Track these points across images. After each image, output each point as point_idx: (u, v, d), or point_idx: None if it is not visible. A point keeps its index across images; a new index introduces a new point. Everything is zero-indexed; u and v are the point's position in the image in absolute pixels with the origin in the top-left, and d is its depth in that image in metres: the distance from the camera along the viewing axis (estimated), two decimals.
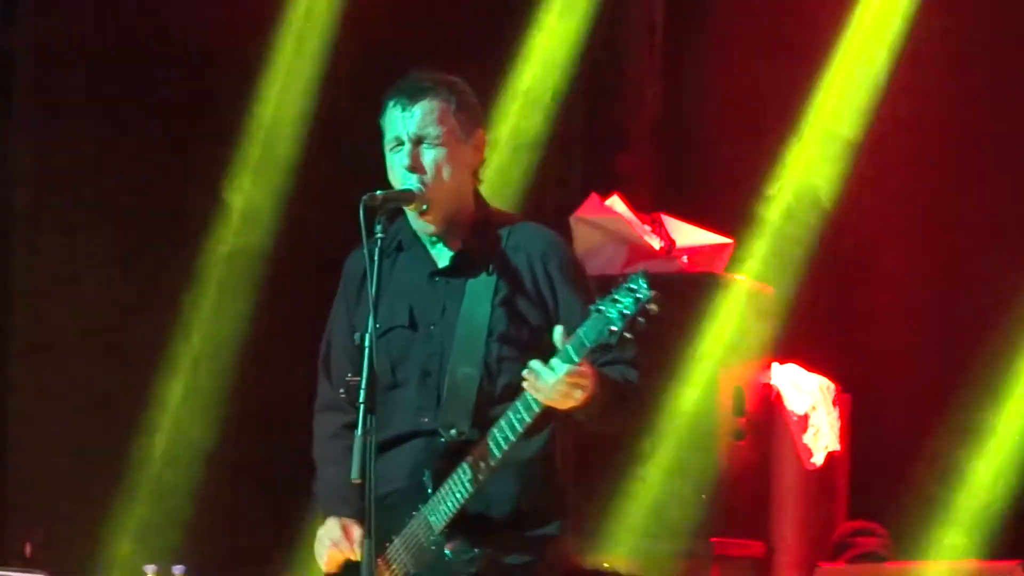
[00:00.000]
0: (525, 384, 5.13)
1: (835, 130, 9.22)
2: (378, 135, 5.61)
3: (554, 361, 5.04)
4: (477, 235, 5.54)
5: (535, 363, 5.06)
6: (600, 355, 5.38)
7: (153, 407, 8.41)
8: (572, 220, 8.48)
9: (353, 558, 5.63)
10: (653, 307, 4.94)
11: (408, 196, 5.35)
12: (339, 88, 8.69)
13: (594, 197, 8.78)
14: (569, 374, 5.02)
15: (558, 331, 5.08)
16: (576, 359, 5.05)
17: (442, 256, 5.51)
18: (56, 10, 8.57)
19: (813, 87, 9.22)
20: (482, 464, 5.39)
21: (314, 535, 5.77)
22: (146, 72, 8.69)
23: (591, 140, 9.58)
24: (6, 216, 8.67)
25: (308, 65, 8.87)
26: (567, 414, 5.33)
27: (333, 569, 5.71)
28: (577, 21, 9.17)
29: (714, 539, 8.15)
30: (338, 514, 5.59)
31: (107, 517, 8.04)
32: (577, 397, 5.12)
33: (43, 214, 8.70)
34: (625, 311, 5.00)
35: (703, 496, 8.23)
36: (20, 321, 8.54)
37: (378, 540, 5.36)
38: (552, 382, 5.03)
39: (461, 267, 5.48)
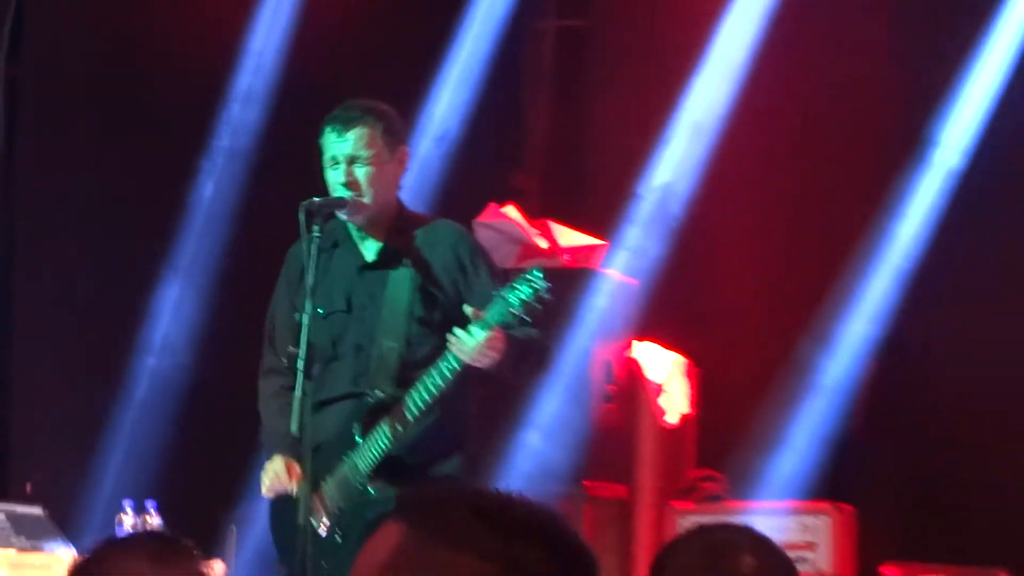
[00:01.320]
0: (450, 346, 6.03)
1: (692, 140, 9.45)
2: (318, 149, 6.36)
3: (473, 328, 5.96)
4: (398, 233, 6.40)
5: (458, 330, 5.98)
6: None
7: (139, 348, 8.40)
8: (475, 224, 8.71)
9: (292, 492, 6.21)
10: (547, 296, 5.91)
11: (340, 203, 6.24)
12: (285, 110, 8.64)
13: (493, 206, 9.19)
14: (487, 338, 5.95)
15: (468, 309, 6.03)
16: (490, 331, 5.96)
17: (369, 251, 6.41)
18: (57, 41, 8.46)
19: (678, 110, 9.46)
20: (401, 418, 6.19)
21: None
22: (136, 91, 8.58)
23: (492, 161, 9.78)
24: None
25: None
26: (483, 372, 6.20)
27: (271, 495, 6.38)
28: (480, 64, 9.37)
29: (587, 482, 8.65)
30: (281, 454, 6.28)
31: (94, 457, 8.11)
32: (492, 356, 6.04)
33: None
34: (524, 297, 5.92)
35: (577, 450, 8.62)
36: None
37: (314, 481, 6.16)
38: (473, 344, 5.96)
39: (385, 261, 6.39)
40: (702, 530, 3.22)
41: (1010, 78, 9.32)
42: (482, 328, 6.06)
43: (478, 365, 6.17)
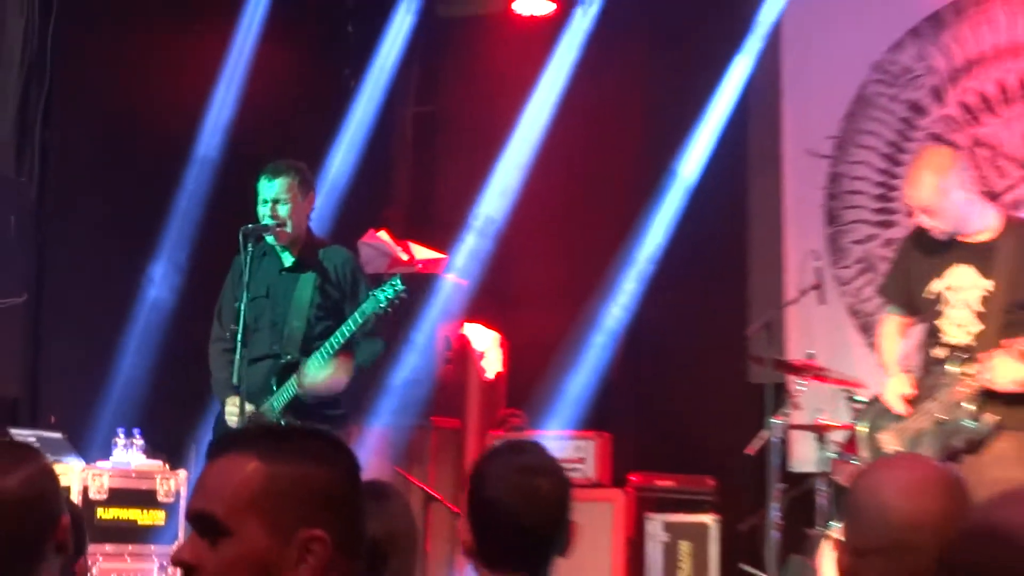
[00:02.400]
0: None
1: (505, 185, 9.41)
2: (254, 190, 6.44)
3: (350, 322, 6.19)
4: (306, 250, 6.53)
5: (302, 371, 6.29)
6: (371, 319, 6.23)
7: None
8: (359, 243, 8.73)
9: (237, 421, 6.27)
10: (404, 295, 6.10)
11: (267, 229, 6.36)
12: (233, 162, 8.44)
13: (371, 231, 9.06)
14: (359, 326, 6.18)
15: (349, 309, 6.27)
16: (362, 320, 6.15)
17: (286, 261, 6.52)
18: (77, 110, 8.24)
19: (497, 164, 9.43)
20: (307, 370, 6.35)
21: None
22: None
23: (370, 200, 9.64)
24: None
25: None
26: (349, 353, 6.35)
27: (234, 422, 6.34)
28: (363, 136, 9.29)
29: (433, 417, 8.60)
30: (230, 396, 6.39)
31: (97, 397, 7.89)
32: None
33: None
34: (389, 296, 6.09)
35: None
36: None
37: (248, 417, 6.25)
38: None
39: (296, 268, 6.49)
40: (508, 449, 3.16)
41: (724, 130, 9.27)
42: (360, 317, 6.24)
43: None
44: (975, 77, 8.92)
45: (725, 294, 9.40)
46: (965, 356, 5.46)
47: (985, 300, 5.45)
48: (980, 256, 5.51)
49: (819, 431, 7.41)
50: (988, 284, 5.45)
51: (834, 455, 7.21)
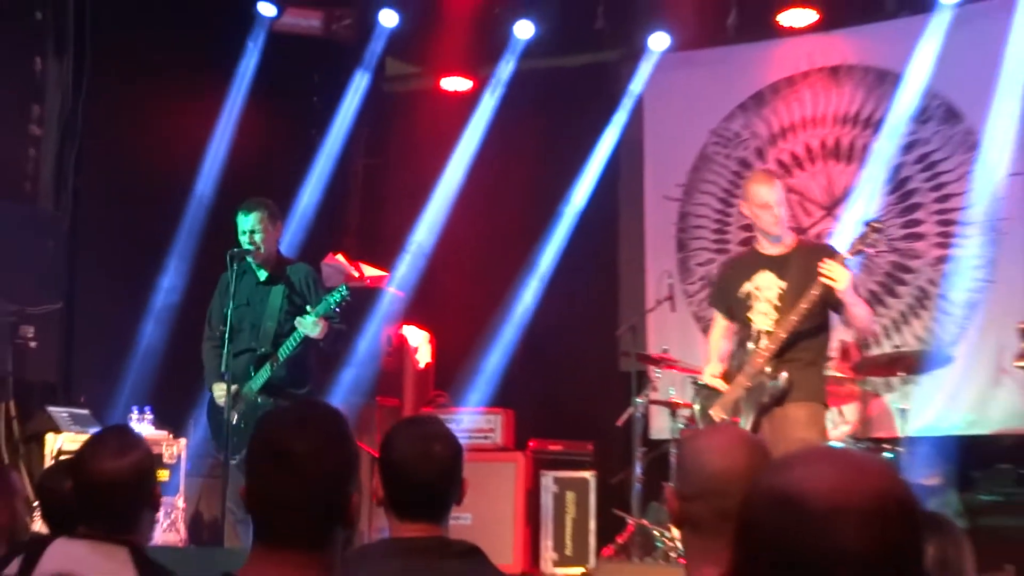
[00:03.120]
0: (297, 325, 6.25)
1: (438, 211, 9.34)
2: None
3: (308, 316, 6.20)
4: (277, 268, 6.53)
5: (299, 318, 6.25)
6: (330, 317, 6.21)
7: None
8: (322, 263, 8.58)
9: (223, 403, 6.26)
10: (348, 298, 6.14)
11: (247, 252, 6.36)
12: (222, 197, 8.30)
13: (331, 254, 9.01)
14: (314, 322, 6.19)
15: (309, 308, 6.24)
16: (317, 317, 6.16)
17: (261, 276, 6.51)
18: (104, 158, 8.19)
19: (429, 204, 9.37)
20: (275, 361, 6.38)
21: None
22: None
23: (330, 230, 9.55)
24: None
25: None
26: (314, 340, 6.36)
27: (221, 401, 6.32)
28: (324, 181, 9.19)
29: (378, 398, 8.47)
30: (217, 382, 6.39)
31: (117, 382, 7.81)
32: (317, 332, 6.24)
33: None
34: (337, 299, 6.14)
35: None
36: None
37: (233, 396, 6.27)
38: (310, 323, 6.22)
39: (269, 281, 6.49)
40: (411, 421, 3.11)
41: (601, 177, 9.27)
42: (315, 315, 6.25)
43: (312, 336, 6.34)
44: (788, 141, 9.07)
45: (601, 302, 9.38)
46: (762, 336, 5.57)
47: (781, 296, 5.57)
48: (778, 265, 5.64)
49: (672, 407, 7.49)
50: (783, 284, 5.58)
51: (683, 426, 7.23)
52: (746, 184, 5.76)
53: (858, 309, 5.50)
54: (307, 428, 2.15)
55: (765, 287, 5.65)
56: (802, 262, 5.56)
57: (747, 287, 5.70)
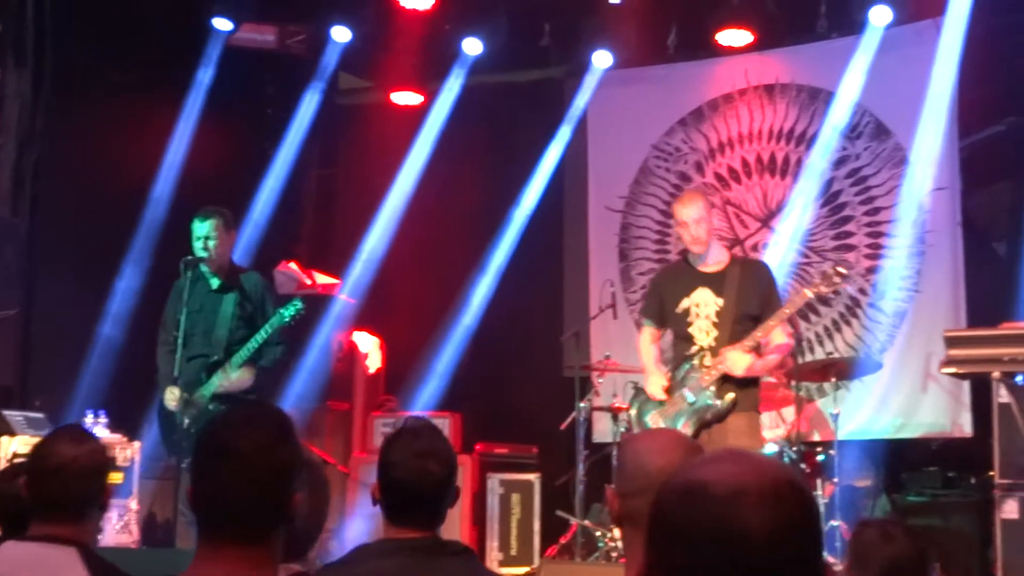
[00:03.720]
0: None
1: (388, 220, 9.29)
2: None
3: (262, 332, 6.17)
4: (230, 276, 6.48)
5: (220, 372, 6.18)
6: (277, 331, 6.19)
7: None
8: (275, 271, 8.55)
9: (176, 407, 6.25)
10: (302, 312, 6.12)
11: (200, 260, 6.31)
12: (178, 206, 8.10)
13: (284, 262, 8.89)
14: (268, 335, 6.14)
15: (264, 320, 6.22)
16: (270, 331, 6.13)
17: (214, 284, 6.45)
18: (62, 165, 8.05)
19: (379, 213, 9.30)
20: (227, 369, 6.32)
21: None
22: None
23: (284, 239, 9.34)
24: None
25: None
26: (259, 356, 6.31)
27: (173, 406, 6.27)
28: (278, 190, 9.11)
29: (328, 402, 8.49)
30: (170, 385, 6.28)
31: (72, 386, 7.68)
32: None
33: None
34: (291, 313, 6.12)
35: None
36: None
37: (185, 401, 6.26)
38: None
39: (222, 289, 6.43)
40: (410, 435, 3.00)
41: (546, 189, 9.29)
42: (267, 330, 6.20)
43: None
44: (726, 155, 9.13)
45: (546, 310, 9.38)
46: (705, 354, 5.61)
47: (719, 313, 5.61)
48: (714, 282, 5.68)
49: (613, 412, 7.49)
50: (720, 301, 5.62)
51: (624, 429, 7.19)
52: (673, 204, 5.88)
53: (773, 369, 5.83)
54: (253, 427, 2.14)
55: (703, 304, 5.68)
56: (737, 280, 5.61)
57: (685, 303, 5.73)
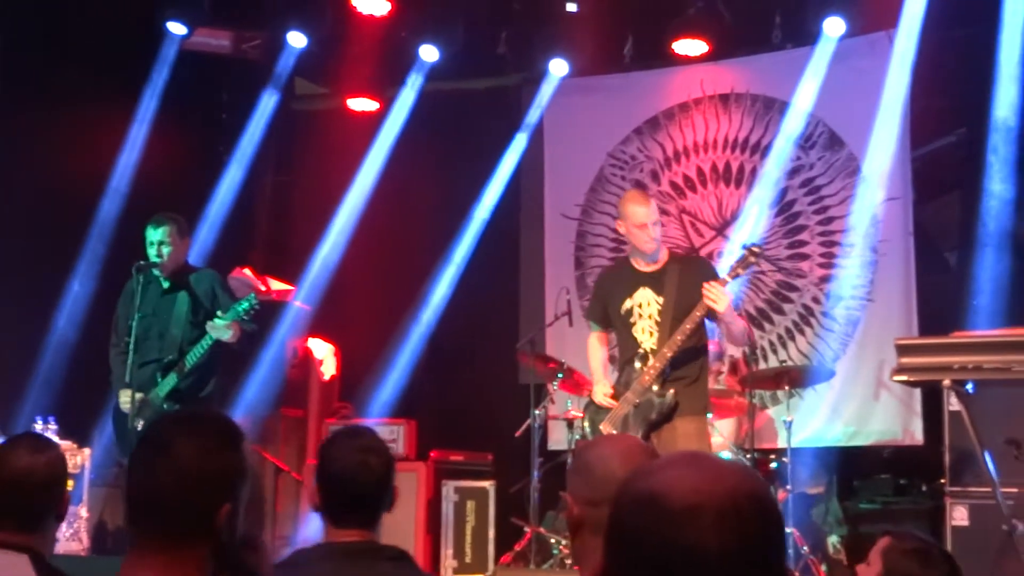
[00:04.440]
0: (209, 329, 6.16)
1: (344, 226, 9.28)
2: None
3: (220, 320, 6.13)
4: (180, 276, 6.46)
5: (210, 322, 6.15)
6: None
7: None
8: (229, 277, 7.98)
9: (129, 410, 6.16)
10: (257, 307, 6.11)
11: (153, 265, 6.29)
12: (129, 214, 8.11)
13: (238, 268, 8.67)
14: (227, 325, 6.11)
15: (219, 314, 6.18)
16: (228, 321, 6.10)
17: (167, 285, 6.43)
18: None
19: (335, 220, 9.32)
20: (181, 369, 6.30)
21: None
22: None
23: (238, 245, 9.29)
24: None
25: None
26: (225, 344, 6.26)
27: (126, 408, 6.20)
28: (232, 196, 9.06)
29: (283, 409, 8.50)
30: (124, 388, 6.23)
31: (21, 392, 7.68)
32: (229, 336, 6.17)
33: None
34: (245, 307, 6.11)
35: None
36: None
37: (139, 404, 6.18)
38: (222, 326, 6.15)
39: (172, 289, 6.41)
40: (349, 433, 3.10)
41: (502, 196, 9.33)
42: (224, 320, 6.18)
43: (224, 340, 6.25)
44: (682, 164, 9.18)
45: (502, 317, 9.35)
46: (648, 355, 5.60)
47: (660, 312, 5.62)
48: (655, 281, 5.69)
49: (569, 420, 7.48)
50: (660, 300, 5.63)
51: (579, 437, 7.19)
52: (622, 204, 5.77)
53: (734, 327, 5.63)
54: (194, 429, 2.12)
55: (645, 304, 5.69)
56: (676, 277, 5.63)
57: (628, 304, 5.74)
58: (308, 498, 2.94)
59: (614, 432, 5.57)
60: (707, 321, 5.67)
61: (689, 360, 5.62)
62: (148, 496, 2.07)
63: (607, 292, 5.89)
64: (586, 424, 5.87)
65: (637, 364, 5.63)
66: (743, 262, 5.49)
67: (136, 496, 2.09)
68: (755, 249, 5.49)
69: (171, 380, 6.37)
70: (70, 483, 6.47)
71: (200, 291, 6.48)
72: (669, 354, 5.50)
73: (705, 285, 5.40)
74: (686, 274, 5.61)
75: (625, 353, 5.77)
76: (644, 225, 5.62)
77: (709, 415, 6.74)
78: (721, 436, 7.25)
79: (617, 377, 5.79)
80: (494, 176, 9.34)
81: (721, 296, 5.37)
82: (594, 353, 5.99)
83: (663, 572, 1.31)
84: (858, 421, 8.15)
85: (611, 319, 5.85)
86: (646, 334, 5.66)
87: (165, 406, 6.30)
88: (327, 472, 2.85)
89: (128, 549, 2.10)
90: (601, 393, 5.74)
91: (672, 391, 5.54)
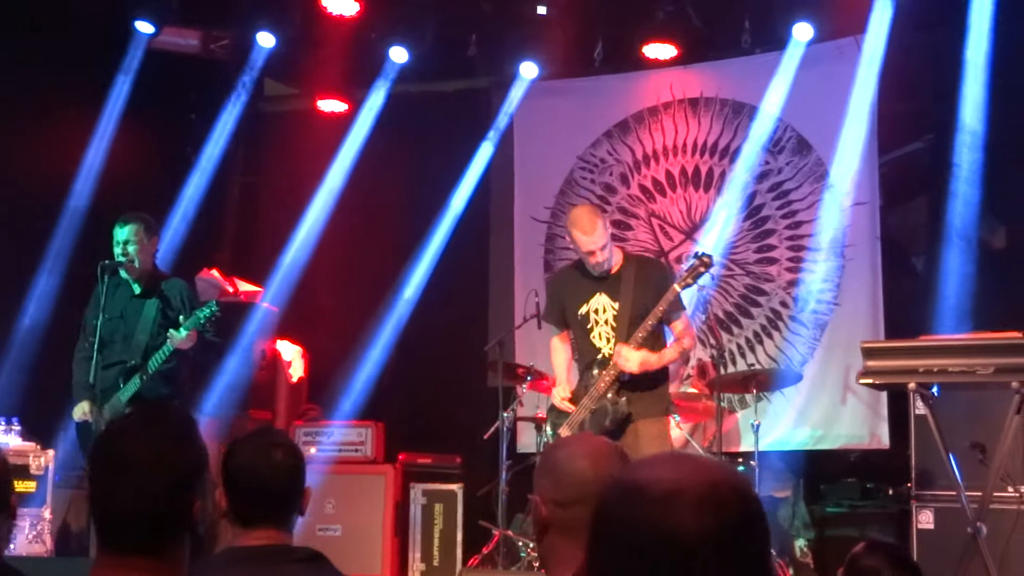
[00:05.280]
0: (168, 338, 6.14)
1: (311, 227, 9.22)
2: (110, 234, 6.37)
3: (179, 331, 6.09)
4: (152, 281, 6.45)
5: (172, 331, 6.10)
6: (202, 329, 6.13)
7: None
8: (196, 278, 8.45)
9: (89, 419, 6.23)
10: (218, 314, 6.08)
11: (120, 265, 6.27)
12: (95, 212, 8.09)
13: (206, 269, 8.86)
14: (187, 335, 6.07)
15: (181, 320, 6.14)
16: (188, 331, 6.07)
17: (136, 289, 6.42)
18: None
19: (303, 221, 9.25)
20: (145, 372, 6.28)
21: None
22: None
23: (205, 246, 9.27)
24: None
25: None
26: (185, 351, 6.26)
27: (80, 419, 6.28)
28: (199, 196, 8.99)
29: (250, 411, 8.40)
30: (84, 399, 6.27)
31: None
32: (186, 344, 6.13)
33: None
34: (207, 314, 6.09)
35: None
36: None
37: (99, 412, 6.22)
38: (181, 337, 6.09)
39: (144, 295, 6.40)
40: (254, 432, 3.08)
41: (471, 198, 9.27)
42: (185, 330, 6.14)
43: (181, 347, 6.21)
44: (651, 168, 9.21)
45: (471, 318, 9.33)
46: (604, 359, 5.60)
47: (616, 317, 5.61)
48: (610, 286, 5.66)
49: (537, 422, 7.48)
50: (615, 305, 5.62)
51: (548, 439, 7.21)
52: (569, 226, 5.65)
53: (670, 364, 5.73)
54: (148, 436, 2.10)
55: (601, 310, 5.68)
56: (632, 280, 5.60)
57: (584, 309, 5.73)
58: (216, 502, 2.78)
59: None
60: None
61: None
62: (118, 515, 2.06)
63: (563, 295, 5.87)
64: (548, 427, 5.87)
65: (595, 370, 5.62)
66: (692, 271, 5.46)
67: (106, 514, 2.08)
68: (705, 259, 5.46)
69: (133, 384, 6.34)
70: (33, 485, 6.67)
71: (170, 300, 6.50)
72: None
73: (616, 349, 5.46)
74: (641, 278, 5.58)
75: (584, 358, 5.77)
76: (592, 252, 5.57)
77: (677, 417, 6.77)
78: (680, 430, 7.24)
79: (578, 381, 5.79)
80: (463, 178, 9.32)
81: (630, 357, 5.44)
82: (556, 355, 5.98)
83: (647, 559, 1.34)
84: (825, 425, 8.19)
85: (569, 322, 5.85)
86: (603, 340, 5.65)
87: (127, 410, 6.23)
88: (230, 469, 2.76)
89: (99, 552, 2.08)
90: (559, 396, 5.74)
91: (624, 399, 5.54)
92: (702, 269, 5.43)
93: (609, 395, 5.54)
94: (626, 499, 1.39)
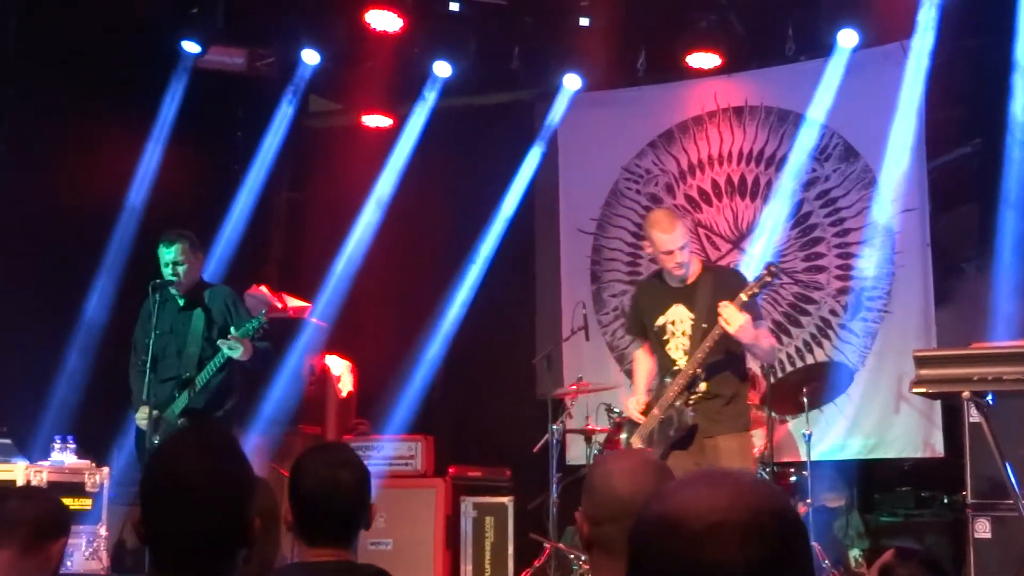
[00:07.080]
0: (222, 345, 6.18)
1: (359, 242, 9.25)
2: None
3: (231, 339, 6.14)
4: (196, 292, 6.49)
5: (222, 341, 6.17)
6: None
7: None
8: (245, 295, 8.28)
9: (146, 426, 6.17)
10: (266, 325, 6.14)
11: (168, 283, 6.34)
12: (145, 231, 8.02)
13: (255, 286, 8.83)
14: (240, 342, 6.12)
15: (232, 331, 6.21)
16: (239, 338, 6.10)
17: (182, 302, 6.47)
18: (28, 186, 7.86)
19: (349, 238, 9.29)
20: (197, 386, 6.34)
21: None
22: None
23: (253, 262, 9.32)
24: None
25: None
26: (239, 362, 6.31)
27: (142, 422, 6.27)
28: (248, 213, 9.05)
29: (300, 425, 8.39)
30: (142, 406, 6.28)
31: (39, 409, 7.61)
32: (242, 354, 6.17)
33: None
34: (255, 325, 6.15)
35: None
36: None
37: (155, 421, 6.24)
38: (238, 350, 6.14)
39: (188, 306, 6.45)
40: (320, 449, 3.06)
41: (517, 211, 9.31)
42: (239, 336, 6.21)
43: (238, 358, 6.27)
44: (696, 177, 9.20)
45: (518, 332, 9.36)
46: (676, 370, 5.54)
47: (692, 327, 5.55)
48: (687, 296, 5.61)
49: (587, 434, 7.48)
50: (692, 315, 5.56)
51: (597, 451, 7.27)
52: (647, 227, 5.62)
53: (756, 348, 5.54)
54: (199, 459, 2.10)
55: (679, 321, 5.62)
56: (708, 289, 5.54)
57: (661, 320, 5.68)
58: (283, 518, 2.82)
59: (642, 446, 5.55)
60: None
61: (725, 377, 5.54)
62: (174, 536, 2.06)
63: (642, 307, 5.83)
64: (623, 437, 5.84)
65: (667, 379, 5.59)
66: (760, 281, 5.38)
67: (160, 540, 2.08)
68: (773, 268, 5.37)
69: (184, 398, 6.41)
70: (88, 502, 6.73)
71: (214, 308, 6.51)
72: (690, 371, 5.43)
73: (720, 305, 5.29)
74: (718, 287, 5.51)
75: (661, 370, 5.73)
76: (671, 252, 5.51)
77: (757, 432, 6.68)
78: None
79: (655, 392, 5.76)
80: (508, 192, 9.35)
81: (734, 316, 5.24)
82: (639, 366, 5.92)
83: None
84: (878, 433, 8.14)
85: (648, 334, 5.81)
86: (680, 351, 5.60)
87: (180, 423, 6.34)
88: (298, 489, 2.79)
89: (151, 571, 2.10)
90: (634, 407, 5.70)
91: (691, 411, 5.48)
92: (768, 279, 5.35)
93: (677, 403, 5.48)
94: (665, 532, 1.33)
